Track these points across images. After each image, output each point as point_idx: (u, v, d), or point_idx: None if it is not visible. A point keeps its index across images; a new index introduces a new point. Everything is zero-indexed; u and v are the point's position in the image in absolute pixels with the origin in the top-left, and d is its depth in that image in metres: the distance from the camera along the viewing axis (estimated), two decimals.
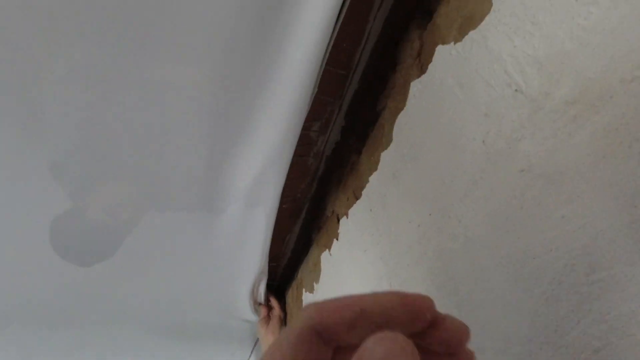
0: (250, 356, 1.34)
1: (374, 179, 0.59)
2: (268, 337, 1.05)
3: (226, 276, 1.00)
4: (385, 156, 0.55)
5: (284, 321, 1.16)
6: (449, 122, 0.40)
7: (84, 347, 1.16)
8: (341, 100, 0.64)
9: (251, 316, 1.12)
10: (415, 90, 0.47)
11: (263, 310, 1.12)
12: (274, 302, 1.12)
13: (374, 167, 0.59)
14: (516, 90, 0.31)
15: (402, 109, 0.50)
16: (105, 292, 0.88)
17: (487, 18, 0.34)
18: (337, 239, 0.77)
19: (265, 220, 0.74)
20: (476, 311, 0.36)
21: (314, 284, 0.94)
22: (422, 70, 0.46)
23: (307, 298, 0.99)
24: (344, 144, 0.75)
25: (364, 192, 0.63)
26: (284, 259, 1.12)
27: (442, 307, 0.44)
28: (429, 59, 0.43)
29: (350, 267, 0.69)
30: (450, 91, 0.39)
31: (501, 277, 0.33)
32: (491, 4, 0.33)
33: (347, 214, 0.71)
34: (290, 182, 0.82)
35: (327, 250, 0.83)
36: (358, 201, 0.66)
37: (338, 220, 0.76)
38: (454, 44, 0.39)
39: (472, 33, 0.36)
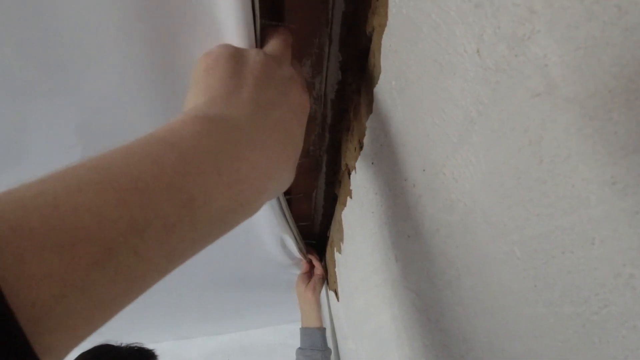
0: None
1: (370, 123, 0.46)
2: (307, 294, 1.00)
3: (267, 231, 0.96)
4: (377, 92, 0.41)
5: (326, 280, 1.10)
6: (432, 30, 0.25)
7: (155, 303, 1.24)
8: (329, 27, 0.50)
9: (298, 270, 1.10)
10: None
11: (304, 266, 1.06)
12: (315, 262, 1.06)
13: (369, 108, 0.46)
14: None
15: (385, 25, 0.36)
16: None
17: None
18: (350, 197, 0.65)
19: None
20: (479, 318, 0.24)
21: (341, 243, 0.84)
22: None
23: (338, 258, 0.91)
24: (345, 83, 0.61)
25: (365, 141, 0.50)
26: (317, 215, 1.04)
27: (442, 301, 0.32)
28: None
29: (362, 231, 0.58)
30: None
31: (512, 276, 0.20)
32: None
33: (355, 168, 0.59)
34: None
35: (344, 208, 0.72)
36: (362, 152, 0.53)
37: (349, 175, 0.64)
38: None
39: None
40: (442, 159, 0.27)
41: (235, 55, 0.26)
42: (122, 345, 0.88)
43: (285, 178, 0.26)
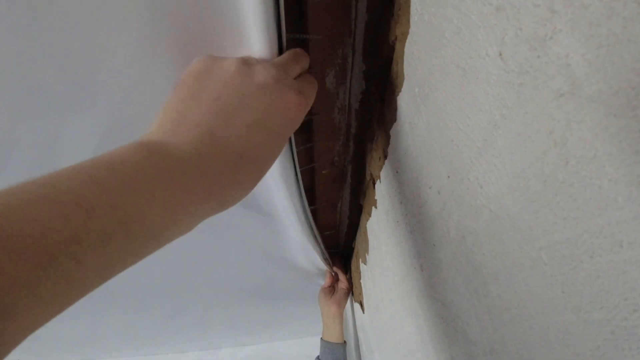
0: None
1: (394, 131, 0.46)
2: (331, 308, 0.99)
3: (288, 242, 0.96)
4: (401, 100, 0.41)
5: (350, 292, 1.09)
6: (454, 35, 0.26)
7: (183, 312, 1.26)
8: (352, 37, 0.50)
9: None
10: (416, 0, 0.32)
11: (327, 279, 1.05)
12: (340, 275, 1.05)
13: (393, 116, 0.46)
14: None
15: (407, 33, 0.36)
16: (196, 261, 0.93)
17: None
18: (375, 207, 0.65)
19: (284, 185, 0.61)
20: (507, 327, 0.23)
21: (366, 254, 0.84)
22: None
23: (363, 269, 0.90)
24: (369, 93, 0.61)
25: (389, 150, 0.50)
26: (342, 226, 1.03)
27: (469, 311, 0.31)
28: None
29: (387, 240, 0.58)
30: None
31: (539, 282, 0.20)
32: None
33: (379, 177, 0.59)
34: (321, 144, 0.71)
35: (370, 218, 0.72)
36: (386, 161, 0.53)
37: (374, 185, 0.64)
38: None
39: None
40: (467, 164, 0.27)
41: (205, 71, 0.27)
42: None
43: (231, 198, 0.26)
